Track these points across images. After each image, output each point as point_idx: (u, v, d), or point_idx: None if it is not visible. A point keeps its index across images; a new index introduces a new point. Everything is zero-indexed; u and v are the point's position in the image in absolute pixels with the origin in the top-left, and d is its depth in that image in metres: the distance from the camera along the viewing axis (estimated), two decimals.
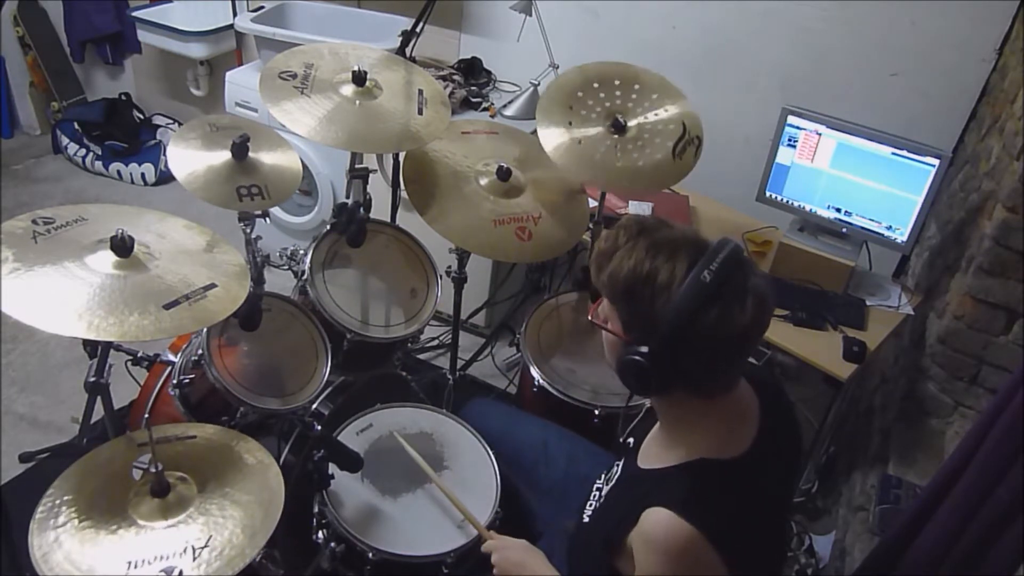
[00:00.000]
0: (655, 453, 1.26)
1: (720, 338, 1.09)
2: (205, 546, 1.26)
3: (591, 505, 1.38)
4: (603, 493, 1.36)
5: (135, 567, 1.22)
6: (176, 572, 1.21)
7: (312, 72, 1.91)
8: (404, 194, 1.97)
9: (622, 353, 1.16)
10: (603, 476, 1.42)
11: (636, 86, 2.05)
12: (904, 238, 2.13)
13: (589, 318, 1.26)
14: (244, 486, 1.37)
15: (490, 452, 1.73)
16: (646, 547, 1.12)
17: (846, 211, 2.20)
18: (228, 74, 3.09)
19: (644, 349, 1.12)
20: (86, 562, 1.22)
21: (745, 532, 1.14)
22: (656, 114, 2.03)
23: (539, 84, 2.77)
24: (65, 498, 1.30)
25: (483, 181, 1.98)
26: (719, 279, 1.07)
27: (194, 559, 1.24)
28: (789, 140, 2.20)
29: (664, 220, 1.19)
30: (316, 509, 1.59)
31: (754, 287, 1.09)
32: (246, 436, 1.49)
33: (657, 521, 1.11)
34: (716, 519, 1.10)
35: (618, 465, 1.39)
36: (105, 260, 1.41)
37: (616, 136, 1.98)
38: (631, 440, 1.40)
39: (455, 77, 2.89)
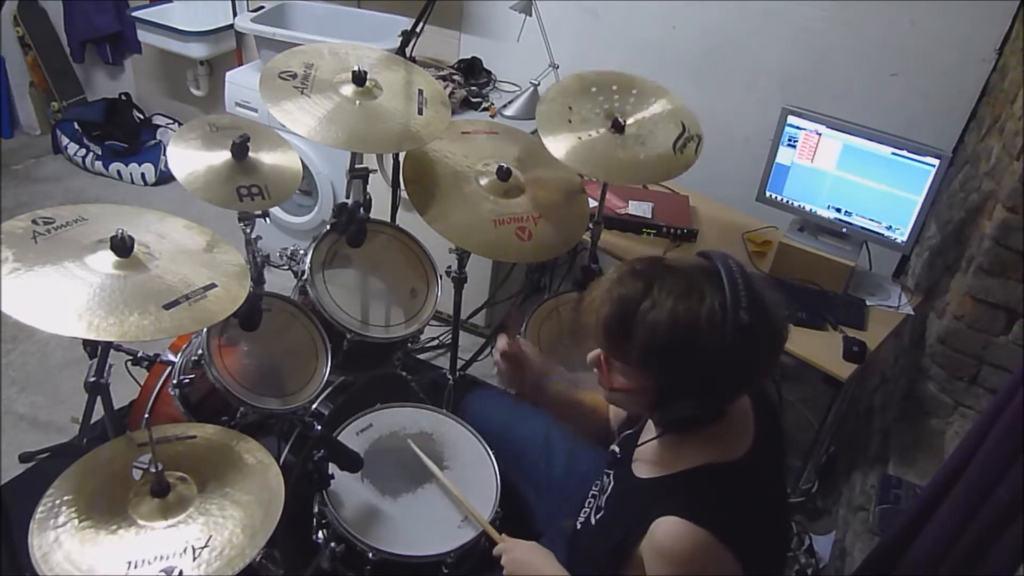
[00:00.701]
0: (654, 462, 1.25)
1: (765, 365, 1.11)
2: (205, 546, 1.26)
3: (585, 513, 1.38)
4: (600, 503, 1.34)
5: (135, 567, 1.22)
6: (176, 572, 1.21)
7: (312, 72, 1.91)
8: (404, 194, 1.97)
9: (666, 409, 1.14)
10: (596, 486, 1.41)
11: (634, 91, 2.06)
12: (904, 238, 2.13)
13: (608, 388, 1.19)
14: (244, 486, 1.37)
15: (490, 452, 1.73)
16: (661, 557, 1.11)
17: (846, 211, 2.19)
18: (228, 74, 3.09)
19: (693, 402, 1.10)
20: (86, 562, 1.22)
21: (756, 531, 1.15)
22: (655, 112, 2.03)
23: (539, 84, 2.77)
24: (65, 498, 1.30)
25: (483, 181, 1.98)
26: (754, 310, 1.05)
27: (194, 559, 1.23)
28: (789, 140, 2.20)
29: (653, 258, 1.14)
30: (316, 509, 1.59)
31: (773, 302, 1.09)
32: (246, 436, 1.49)
33: (669, 530, 1.10)
34: (729, 522, 1.10)
35: (608, 475, 1.37)
36: (105, 260, 1.41)
37: (617, 136, 1.99)
38: (616, 449, 1.40)
39: (455, 77, 2.89)
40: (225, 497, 1.34)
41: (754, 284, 1.07)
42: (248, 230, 1.90)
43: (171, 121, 3.92)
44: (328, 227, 1.98)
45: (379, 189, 2.20)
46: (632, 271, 1.11)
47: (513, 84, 2.99)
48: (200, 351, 1.70)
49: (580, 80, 2.07)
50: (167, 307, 1.38)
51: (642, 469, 1.27)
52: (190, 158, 1.75)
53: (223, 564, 1.23)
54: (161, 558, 1.23)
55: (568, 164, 1.97)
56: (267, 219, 1.92)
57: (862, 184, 2.14)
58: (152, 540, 1.26)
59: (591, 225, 2.17)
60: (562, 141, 1.93)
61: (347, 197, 2.03)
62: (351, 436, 1.73)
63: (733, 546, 1.09)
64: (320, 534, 1.58)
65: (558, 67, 2.71)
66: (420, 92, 2.00)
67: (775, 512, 1.27)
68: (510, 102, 2.84)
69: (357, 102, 1.88)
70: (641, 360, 1.10)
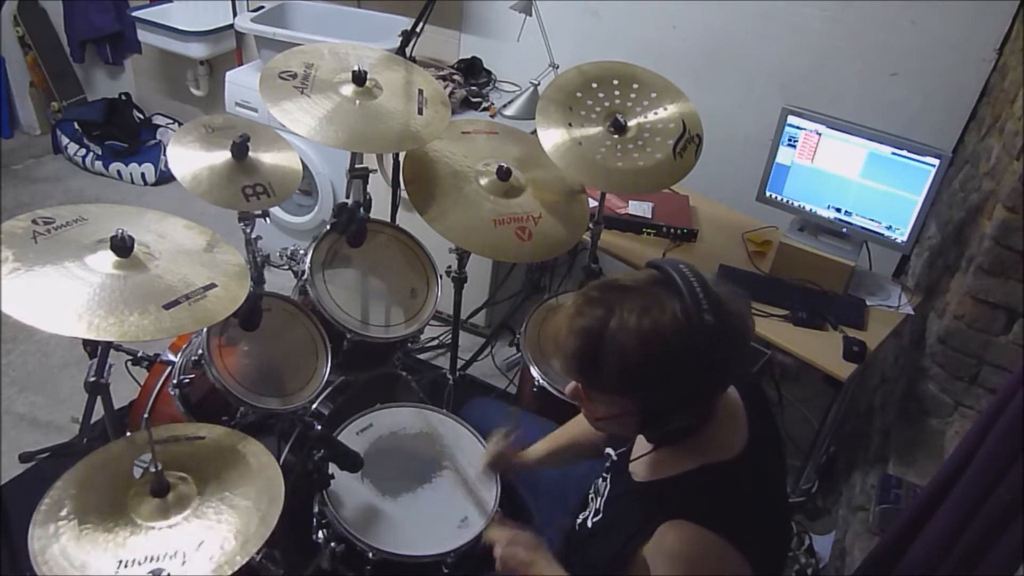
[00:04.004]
0: (652, 465, 1.24)
1: (740, 360, 1.10)
2: (196, 550, 1.25)
3: (584, 515, 1.38)
4: (598, 506, 1.34)
5: (125, 566, 1.22)
6: (164, 574, 1.21)
7: (312, 72, 1.91)
8: (404, 194, 1.97)
9: (655, 426, 1.13)
10: (592, 488, 1.40)
11: (635, 85, 2.06)
12: (904, 238, 2.13)
13: (595, 419, 1.18)
14: (244, 491, 1.36)
15: None
16: (671, 562, 1.11)
17: (846, 211, 2.19)
18: (228, 74, 3.09)
19: (680, 413, 1.09)
20: (80, 558, 1.22)
21: (761, 528, 1.15)
22: (655, 113, 2.03)
23: (539, 84, 2.77)
24: (70, 492, 1.30)
25: (483, 181, 1.98)
26: (716, 309, 1.04)
27: (183, 562, 1.23)
28: (789, 140, 2.20)
29: (605, 281, 1.11)
30: (316, 509, 1.59)
31: (730, 295, 1.08)
32: (254, 439, 1.48)
33: (678, 535, 1.10)
34: (734, 521, 1.10)
35: (605, 478, 1.37)
36: (105, 260, 1.41)
37: (616, 136, 1.99)
38: (611, 451, 1.39)
39: (455, 77, 2.89)
40: (223, 501, 1.34)
41: (708, 283, 1.07)
42: (248, 230, 1.90)
43: (171, 121, 3.92)
44: (328, 227, 1.97)
45: (379, 189, 2.20)
46: (588, 299, 1.09)
47: (513, 84, 2.99)
48: (200, 351, 1.70)
49: (581, 74, 2.07)
50: (167, 307, 1.38)
51: (640, 472, 1.26)
52: (190, 162, 1.75)
53: (211, 569, 1.23)
54: (152, 559, 1.23)
55: (568, 174, 1.97)
56: (267, 219, 1.93)
57: (862, 184, 2.14)
58: (145, 540, 1.26)
59: (591, 225, 2.17)
60: (562, 150, 1.94)
61: (347, 197, 2.03)
62: (351, 436, 1.73)
63: (740, 545, 1.09)
64: (320, 534, 1.58)
65: (558, 67, 2.71)
66: (420, 92, 2.00)
67: (777, 506, 1.27)
68: (510, 102, 2.84)
69: (357, 102, 1.88)
70: (618, 386, 1.09)
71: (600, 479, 1.38)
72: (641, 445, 1.28)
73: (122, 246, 1.42)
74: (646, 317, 1.04)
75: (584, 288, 1.12)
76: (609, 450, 1.40)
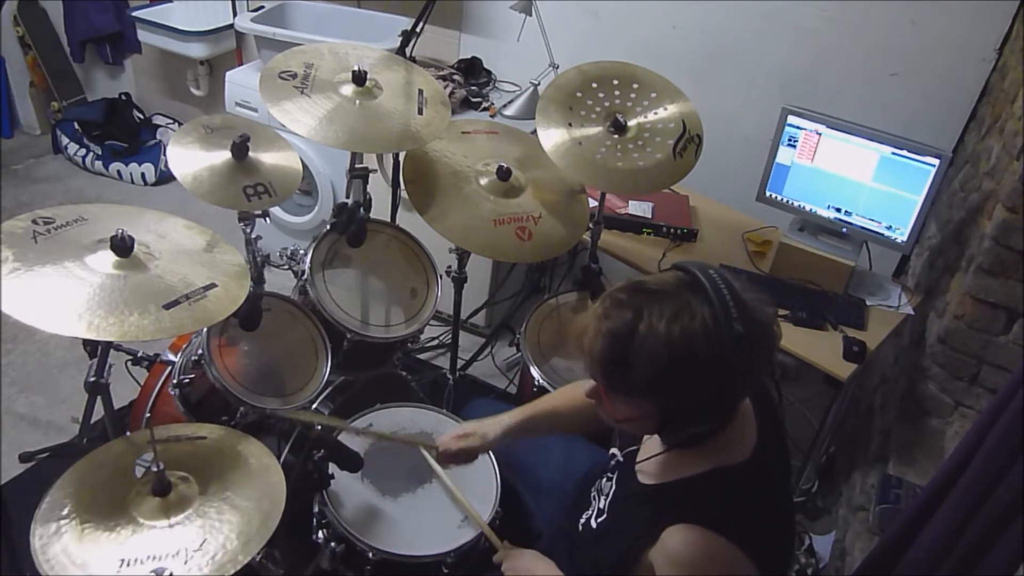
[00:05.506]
0: (661, 467, 1.24)
1: (765, 368, 1.10)
2: (198, 549, 1.25)
3: (587, 515, 1.37)
4: (602, 507, 1.34)
5: (127, 565, 1.22)
6: (167, 573, 1.20)
7: (312, 72, 1.91)
8: (404, 194, 1.97)
9: (674, 429, 1.13)
10: (595, 487, 1.40)
11: (635, 84, 2.06)
12: (904, 238, 2.13)
13: (614, 420, 1.17)
14: (246, 491, 1.36)
15: (490, 452, 1.73)
16: (676, 565, 1.10)
17: (846, 211, 2.19)
18: (228, 74, 3.09)
19: (701, 418, 1.08)
20: (82, 556, 1.22)
21: (768, 532, 1.15)
22: (655, 113, 2.03)
23: (539, 84, 2.77)
24: (70, 490, 1.30)
25: (483, 181, 1.98)
26: (745, 318, 1.03)
27: (186, 561, 1.23)
28: (789, 140, 2.20)
29: (634, 284, 1.09)
30: (316, 509, 1.59)
31: (758, 303, 1.07)
32: (254, 439, 1.48)
33: (685, 539, 1.09)
34: (742, 525, 1.10)
35: (610, 479, 1.36)
36: (105, 260, 1.41)
37: (616, 136, 1.99)
38: (616, 453, 1.39)
39: (455, 77, 2.89)
40: (225, 501, 1.34)
41: (737, 290, 1.06)
42: (248, 230, 1.90)
43: (171, 121, 3.92)
44: (328, 227, 1.98)
45: (379, 189, 2.21)
46: (617, 302, 1.07)
47: (513, 84, 2.99)
48: (200, 351, 1.70)
49: (581, 74, 2.06)
50: (167, 307, 1.38)
51: (646, 475, 1.26)
52: (190, 162, 1.74)
53: (213, 568, 1.23)
54: (154, 558, 1.23)
55: (569, 174, 1.96)
56: (267, 219, 1.93)
57: (862, 184, 2.14)
58: (148, 539, 1.26)
59: (591, 225, 2.17)
60: (562, 150, 1.94)
61: (347, 197, 2.03)
62: (351, 436, 1.73)
63: (747, 549, 1.08)
64: (320, 534, 1.58)
65: (558, 67, 2.71)
66: (420, 92, 2.00)
67: (783, 510, 1.27)
68: (510, 102, 2.84)
69: (357, 102, 1.88)
70: (643, 390, 1.08)
71: (604, 479, 1.38)
72: (649, 446, 1.28)
73: (122, 246, 1.42)
74: (676, 323, 1.02)
75: (610, 290, 1.10)
76: (615, 451, 1.40)
